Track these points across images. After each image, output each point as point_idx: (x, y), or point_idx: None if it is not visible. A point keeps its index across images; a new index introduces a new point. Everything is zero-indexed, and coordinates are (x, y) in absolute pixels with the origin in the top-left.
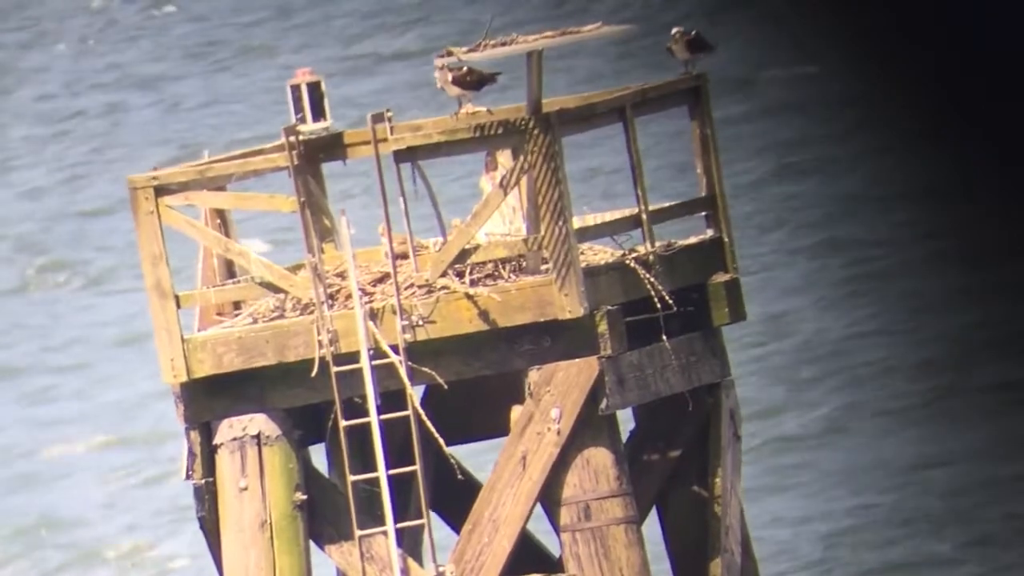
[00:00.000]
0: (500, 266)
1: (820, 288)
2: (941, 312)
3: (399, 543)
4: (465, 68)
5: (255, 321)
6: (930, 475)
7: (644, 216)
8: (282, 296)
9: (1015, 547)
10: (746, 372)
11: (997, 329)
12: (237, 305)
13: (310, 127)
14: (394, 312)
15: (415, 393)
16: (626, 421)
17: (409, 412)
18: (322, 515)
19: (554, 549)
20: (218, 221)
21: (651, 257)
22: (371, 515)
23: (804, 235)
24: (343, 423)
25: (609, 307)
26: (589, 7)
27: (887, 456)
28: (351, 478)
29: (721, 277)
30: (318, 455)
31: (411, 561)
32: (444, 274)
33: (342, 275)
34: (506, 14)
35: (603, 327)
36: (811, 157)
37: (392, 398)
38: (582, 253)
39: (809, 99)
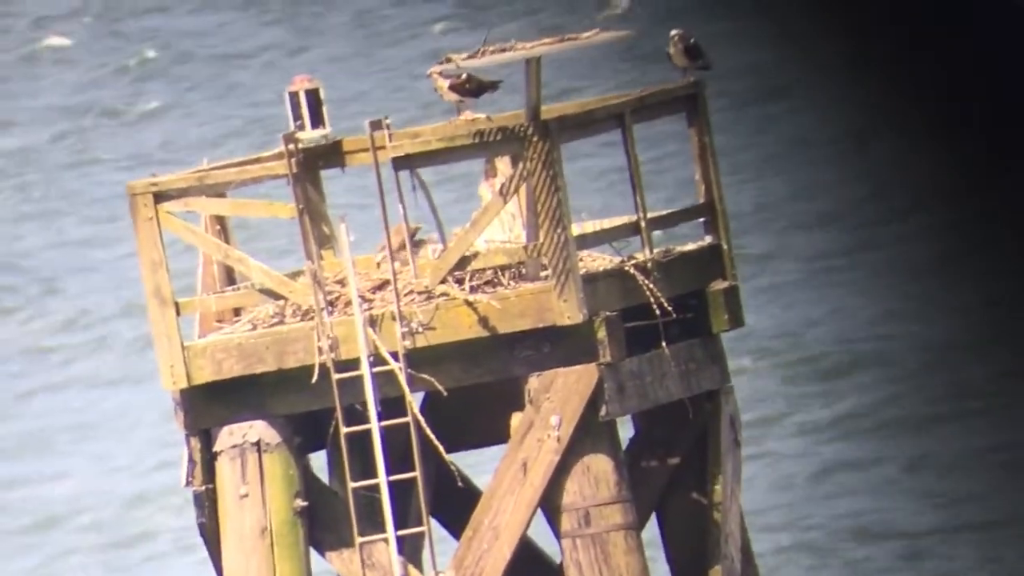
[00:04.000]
0: (499, 273)
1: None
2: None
3: (400, 550)
4: (464, 75)
5: (255, 327)
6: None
7: (643, 223)
8: (282, 303)
9: None
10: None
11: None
12: (237, 312)
13: (309, 135)
14: (394, 319)
15: (415, 400)
16: (626, 428)
17: (409, 419)
18: (322, 522)
19: (555, 555)
20: (218, 227)
21: (650, 264)
22: (372, 522)
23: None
24: (344, 430)
25: (608, 313)
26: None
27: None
28: (351, 485)
29: (720, 284)
30: (318, 462)
31: (411, 568)
32: (443, 281)
33: (342, 282)
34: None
35: (602, 334)
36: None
37: (392, 404)
38: (581, 260)
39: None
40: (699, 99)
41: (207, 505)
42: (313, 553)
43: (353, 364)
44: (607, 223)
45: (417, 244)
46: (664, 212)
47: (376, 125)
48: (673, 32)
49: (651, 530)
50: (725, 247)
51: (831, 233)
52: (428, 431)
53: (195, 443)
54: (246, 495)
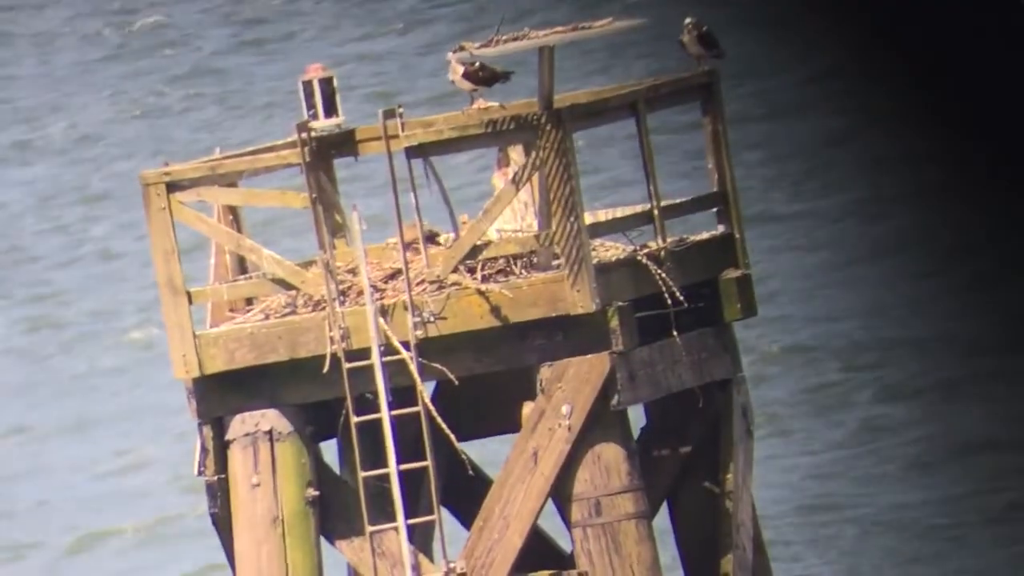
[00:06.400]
0: (511, 262)
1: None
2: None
3: (410, 539)
4: (477, 64)
5: (267, 317)
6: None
7: (656, 212)
8: (294, 292)
9: None
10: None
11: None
12: (249, 301)
13: (322, 124)
14: (405, 308)
15: (426, 389)
16: (637, 417)
17: (420, 408)
18: (334, 511)
19: (565, 545)
20: (230, 217)
21: (662, 253)
22: (382, 511)
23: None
24: (355, 419)
25: (620, 303)
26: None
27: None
28: (362, 474)
29: (732, 273)
30: (329, 451)
31: (422, 557)
32: (455, 270)
33: (354, 271)
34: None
35: (615, 323)
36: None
37: (403, 394)
38: (594, 249)
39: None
40: (713, 88)
41: (219, 494)
42: (324, 542)
43: (364, 353)
44: (620, 211)
45: (431, 238)
46: (677, 201)
47: (389, 114)
48: (687, 20)
49: (662, 519)
50: (737, 236)
51: None
52: (439, 420)
53: (208, 432)
54: (258, 484)
